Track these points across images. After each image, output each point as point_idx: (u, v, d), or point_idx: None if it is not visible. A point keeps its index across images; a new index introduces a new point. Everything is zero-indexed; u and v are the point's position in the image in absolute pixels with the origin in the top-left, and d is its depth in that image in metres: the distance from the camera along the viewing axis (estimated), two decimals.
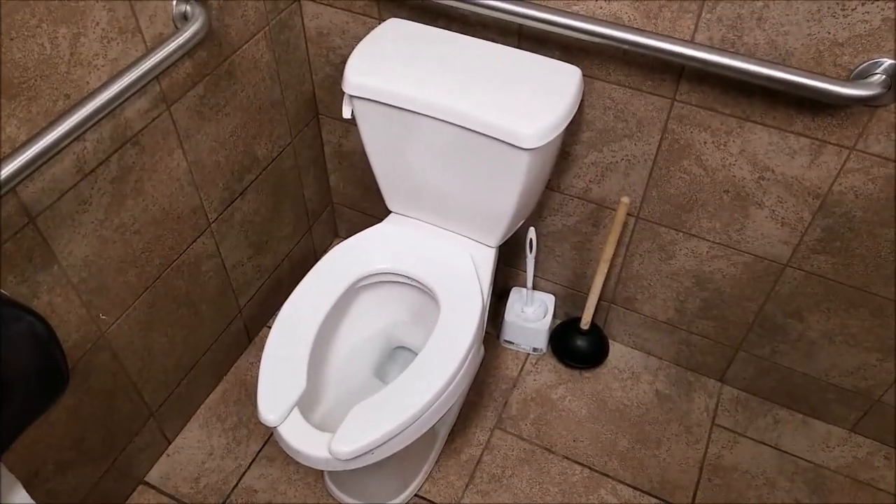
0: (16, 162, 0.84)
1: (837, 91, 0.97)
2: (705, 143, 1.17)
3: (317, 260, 1.23)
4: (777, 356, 1.44)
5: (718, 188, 1.22)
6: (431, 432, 1.36)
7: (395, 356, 1.40)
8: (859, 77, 0.99)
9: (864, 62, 0.98)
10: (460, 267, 1.23)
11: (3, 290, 0.80)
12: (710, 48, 1.01)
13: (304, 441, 1.02)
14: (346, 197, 1.70)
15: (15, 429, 0.82)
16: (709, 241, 1.31)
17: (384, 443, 1.03)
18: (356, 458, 1.02)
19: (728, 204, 1.23)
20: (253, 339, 1.62)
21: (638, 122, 1.19)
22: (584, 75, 1.16)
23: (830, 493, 1.41)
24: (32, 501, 0.91)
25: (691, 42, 1.03)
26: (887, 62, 0.97)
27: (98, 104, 0.92)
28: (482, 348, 1.60)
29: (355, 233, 1.29)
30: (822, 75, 0.98)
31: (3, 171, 0.83)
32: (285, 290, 1.66)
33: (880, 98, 0.98)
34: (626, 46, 1.05)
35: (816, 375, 1.43)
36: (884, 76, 0.97)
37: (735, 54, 1.00)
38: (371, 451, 1.02)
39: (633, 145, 1.23)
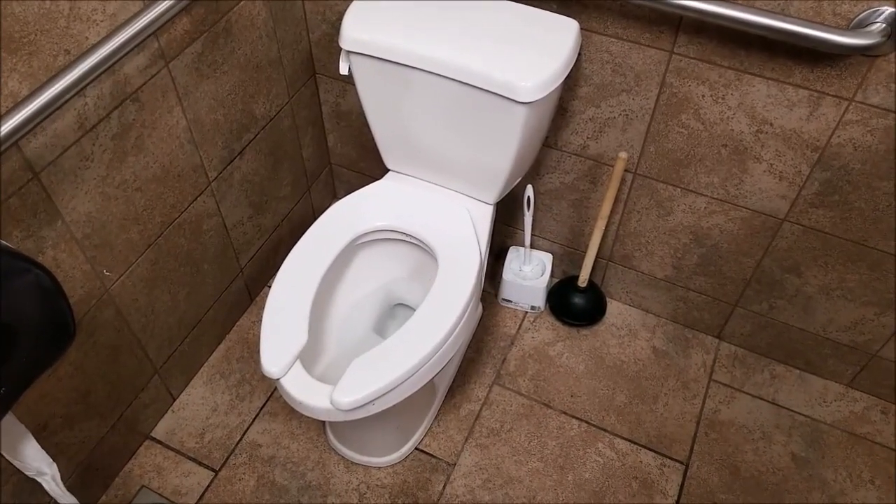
0: (18, 116, 0.84)
1: (836, 40, 0.97)
2: (703, 96, 1.17)
3: (315, 221, 1.24)
4: (774, 312, 1.45)
5: (716, 142, 1.22)
6: (431, 387, 1.38)
7: (394, 313, 1.42)
8: (859, 26, 0.99)
9: (863, 11, 0.97)
10: (458, 224, 1.24)
11: (8, 244, 0.81)
12: None
13: (306, 392, 1.05)
14: (344, 158, 1.70)
15: (25, 379, 0.84)
16: (707, 196, 1.31)
17: (384, 394, 1.05)
18: (357, 408, 1.04)
19: (726, 158, 1.23)
20: (254, 299, 1.64)
21: (636, 75, 1.19)
22: (581, 28, 1.15)
23: (827, 447, 1.43)
24: (43, 451, 0.94)
25: None
26: (887, 10, 0.96)
27: (98, 59, 0.92)
28: (480, 306, 1.62)
29: None
30: (822, 24, 0.97)
31: (5, 126, 0.83)
32: (284, 250, 1.68)
33: (880, 47, 0.97)
34: None
35: (814, 331, 1.44)
36: (883, 25, 0.97)
37: (733, 4, 1.00)
38: (371, 401, 1.04)
39: (631, 100, 1.23)
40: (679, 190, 1.33)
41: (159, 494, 1.34)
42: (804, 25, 0.97)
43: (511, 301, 1.62)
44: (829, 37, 0.97)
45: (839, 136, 1.12)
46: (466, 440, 1.43)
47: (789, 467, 1.41)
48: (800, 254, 1.32)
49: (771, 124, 1.15)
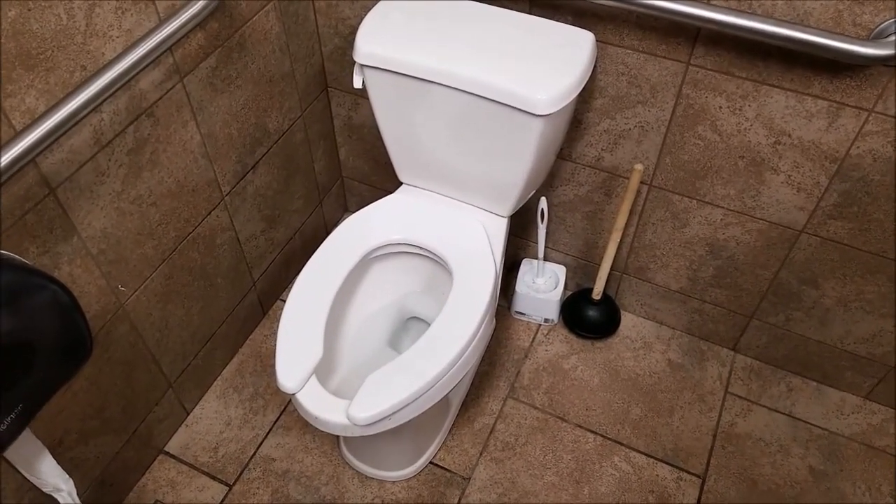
0: (36, 132, 0.85)
1: (857, 51, 0.96)
2: (720, 107, 1.16)
3: (327, 234, 1.24)
4: (791, 324, 1.44)
5: (733, 154, 1.21)
6: (445, 401, 1.37)
7: (408, 327, 1.41)
8: (879, 36, 0.98)
9: (884, 21, 0.97)
10: (473, 237, 1.24)
11: (25, 261, 0.81)
12: (727, 9, 1.00)
13: (323, 407, 1.04)
14: (356, 171, 1.70)
15: (42, 396, 0.83)
16: (723, 208, 1.30)
17: (400, 409, 1.04)
18: (373, 423, 1.03)
19: (743, 170, 1.22)
20: (266, 312, 1.63)
21: (652, 87, 1.18)
22: (597, 40, 1.15)
23: (845, 459, 1.41)
24: (59, 467, 0.93)
25: (707, 3, 1.02)
26: None
27: (114, 75, 0.92)
28: (494, 319, 1.60)
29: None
30: (841, 35, 0.97)
31: (23, 142, 0.83)
32: (297, 264, 1.68)
33: None
34: (640, 9, 1.04)
35: (831, 343, 1.43)
36: None
37: (752, 15, 0.99)
38: (388, 416, 1.03)
39: (647, 111, 1.22)
40: (695, 202, 1.32)
41: None
42: (824, 36, 0.97)
43: (524, 314, 1.61)
44: (848, 47, 0.96)
45: (858, 147, 1.11)
46: (481, 454, 1.41)
47: (807, 480, 1.39)
48: (817, 265, 1.31)
49: (789, 135, 1.14)
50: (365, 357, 1.28)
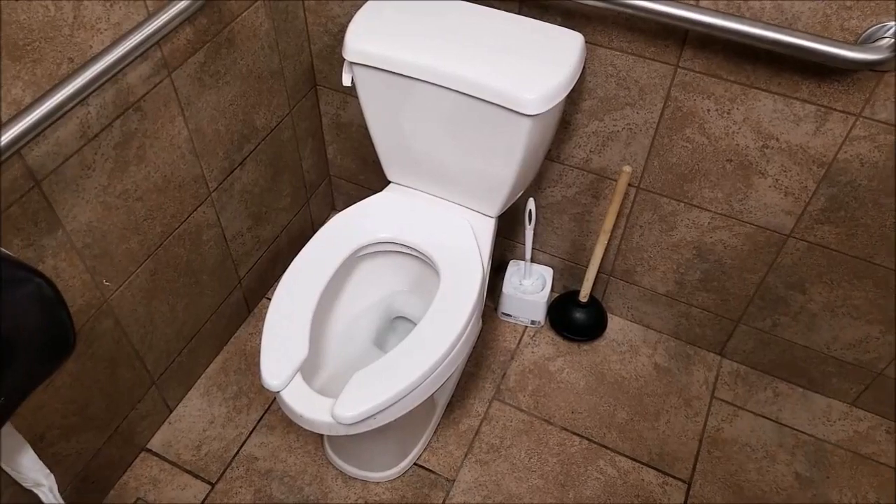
0: (21, 124, 0.84)
1: (844, 55, 0.96)
2: (708, 110, 1.16)
3: (314, 233, 1.23)
4: (778, 329, 1.44)
5: (721, 157, 1.21)
6: (430, 402, 1.37)
7: (394, 326, 1.41)
8: (866, 41, 0.99)
9: (871, 26, 0.97)
10: (460, 237, 1.23)
11: (10, 253, 0.80)
12: (715, 12, 1.00)
13: (307, 406, 1.03)
14: (344, 170, 1.70)
15: (24, 389, 0.82)
16: (711, 211, 1.30)
17: (386, 408, 1.03)
18: (358, 422, 1.02)
19: (731, 173, 1.23)
20: (252, 310, 1.63)
21: (640, 89, 1.18)
22: (586, 42, 1.15)
23: (831, 466, 1.41)
24: (40, 462, 0.92)
25: (696, 6, 1.02)
26: (895, 26, 0.96)
27: (101, 68, 0.92)
28: (480, 320, 1.60)
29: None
30: (830, 39, 0.97)
31: (8, 134, 0.83)
32: (283, 262, 1.67)
33: (887, 63, 0.97)
34: (629, 11, 1.04)
35: (817, 348, 1.43)
36: (892, 40, 0.96)
37: (741, 18, 1.00)
38: (373, 416, 1.03)
39: (635, 114, 1.22)
40: (683, 205, 1.32)
41: None
42: (812, 40, 0.97)
43: (511, 315, 1.61)
44: (836, 51, 0.96)
45: (846, 152, 1.11)
46: (466, 456, 1.41)
47: (793, 487, 1.39)
48: (804, 270, 1.31)
49: (777, 139, 1.15)
50: (351, 356, 1.27)
